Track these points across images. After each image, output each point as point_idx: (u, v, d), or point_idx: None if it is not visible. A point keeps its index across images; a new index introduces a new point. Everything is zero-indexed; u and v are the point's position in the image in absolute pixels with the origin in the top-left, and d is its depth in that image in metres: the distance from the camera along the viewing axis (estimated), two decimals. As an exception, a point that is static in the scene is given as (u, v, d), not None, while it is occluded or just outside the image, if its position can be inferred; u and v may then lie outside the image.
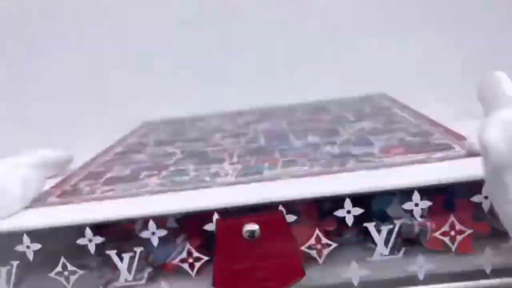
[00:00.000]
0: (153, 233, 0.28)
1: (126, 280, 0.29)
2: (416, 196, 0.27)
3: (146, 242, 0.28)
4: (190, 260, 0.28)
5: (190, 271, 0.29)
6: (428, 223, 0.29)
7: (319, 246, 0.28)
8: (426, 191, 0.27)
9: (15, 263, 0.29)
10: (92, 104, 0.65)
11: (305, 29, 0.62)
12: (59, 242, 0.29)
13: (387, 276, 0.28)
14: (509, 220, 0.23)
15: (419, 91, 0.56)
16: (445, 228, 0.27)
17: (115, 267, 0.29)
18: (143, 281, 0.30)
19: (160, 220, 0.29)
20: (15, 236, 0.29)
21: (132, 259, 0.29)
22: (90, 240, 0.28)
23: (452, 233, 0.28)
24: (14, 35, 0.65)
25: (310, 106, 0.60)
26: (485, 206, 0.27)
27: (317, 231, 0.28)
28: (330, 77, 0.62)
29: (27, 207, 0.32)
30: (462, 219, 0.28)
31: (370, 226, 0.28)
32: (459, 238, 0.28)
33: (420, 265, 0.28)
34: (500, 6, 0.59)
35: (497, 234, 0.28)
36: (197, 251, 0.29)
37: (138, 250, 0.29)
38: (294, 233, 0.28)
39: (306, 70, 0.62)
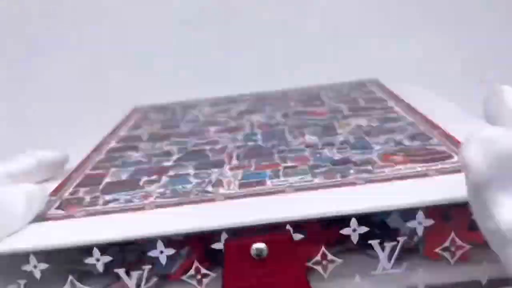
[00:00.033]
0: (161, 252, 0.29)
1: None
2: (420, 215, 0.28)
3: (154, 260, 0.29)
4: (198, 277, 0.29)
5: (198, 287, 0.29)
6: (428, 236, 0.30)
7: (324, 262, 0.29)
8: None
9: (22, 282, 0.29)
10: (91, 104, 0.63)
11: (305, 29, 0.61)
12: (66, 261, 0.29)
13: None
14: (491, 237, 0.24)
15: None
16: (446, 244, 0.28)
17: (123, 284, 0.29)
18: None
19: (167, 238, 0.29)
20: (21, 256, 0.29)
21: (140, 276, 0.29)
22: (98, 260, 0.29)
23: (452, 248, 0.29)
24: (14, 35, 0.63)
25: (303, 94, 0.60)
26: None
27: (323, 249, 0.29)
28: (329, 76, 0.61)
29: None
30: (459, 231, 0.29)
31: (375, 244, 0.28)
32: (458, 253, 0.29)
33: (421, 278, 0.29)
34: (500, 6, 0.59)
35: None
36: (204, 268, 0.29)
37: (147, 268, 0.29)
38: (300, 250, 0.28)
39: (306, 70, 0.62)
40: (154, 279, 0.30)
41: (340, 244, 0.30)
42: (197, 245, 0.31)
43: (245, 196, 0.32)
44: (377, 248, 0.29)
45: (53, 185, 0.39)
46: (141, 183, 0.37)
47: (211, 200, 0.32)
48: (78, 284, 0.29)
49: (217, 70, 0.62)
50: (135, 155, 0.44)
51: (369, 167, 0.34)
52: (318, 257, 0.29)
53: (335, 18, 0.60)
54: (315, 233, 0.29)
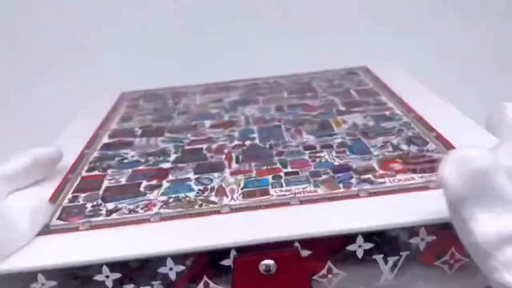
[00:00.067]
0: (171, 269, 0.29)
1: None
2: (423, 232, 0.29)
3: (163, 276, 0.29)
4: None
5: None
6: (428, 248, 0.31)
7: (330, 276, 0.30)
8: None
9: (30, 299, 0.29)
10: (75, 87, 0.61)
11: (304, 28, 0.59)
12: (74, 278, 0.29)
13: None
14: (472, 250, 0.25)
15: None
16: (446, 257, 0.30)
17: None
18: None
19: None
20: (29, 273, 0.29)
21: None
22: (107, 276, 0.29)
23: (451, 261, 0.30)
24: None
25: (295, 83, 0.60)
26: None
27: (329, 263, 0.29)
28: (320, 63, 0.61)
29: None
30: (458, 245, 0.30)
31: (379, 258, 0.30)
32: (457, 265, 0.30)
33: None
34: (500, 6, 0.59)
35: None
36: (210, 280, 0.30)
37: (156, 283, 0.29)
38: (307, 264, 0.29)
39: (296, 56, 0.61)
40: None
41: (345, 258, 0.30)
42: (202, 258, 0.32)
43: (250, 208, 0.32)
44: (380, 262, 0.30)
45: (49, 186, 0.38)
46: (142, 188, 0.37)
47: (217, 212, 0.32)
48: (87, 300, 0.29)
49: (205, 56, 0.61)
50: (130, 154, 0.43)
51: (370, 176, 0.35)
52: (324, 271, 0.30)
53: (335, 17, 0.59)
54: (321, 248, 0.30)
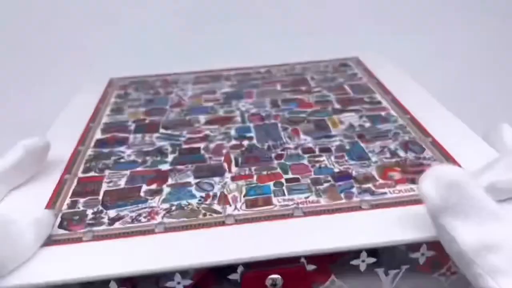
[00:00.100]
0: (179, 283, 0.29)
1: None
2: (423, 247, 0.30)
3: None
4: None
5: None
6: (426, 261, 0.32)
7: (332, 287, 0.31)
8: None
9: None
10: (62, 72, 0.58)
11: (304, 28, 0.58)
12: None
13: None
14: (456, 258, 0.27)
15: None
16: (443, 270, 0.31)
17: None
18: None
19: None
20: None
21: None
22: (114, 291, 0.29)
23: (448, 273, 0.31)
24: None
25: (288, 74, 0.60)
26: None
27: (332, 276, 0.30)
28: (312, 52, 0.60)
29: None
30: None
31: (380, 271, 0.31)
32: (453, 277, 0.31)
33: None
34: (500, 6, 0.59)
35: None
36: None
37: (163, 297, 0.30)
38: (311, 277, 0.30)
39: (288, 44, 0.60)
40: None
41: (348, 270, 0.31)
42: (210, 272, 0.32)
43: (254, 219, 0.33)
44: (381, 274, 0.31)
45: (46, 187, 0.38)
46: (142, 193, 0.37)
47: (221, 223, 0.32)
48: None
49: (205, 56, 0.60)
50: (127, 153, 0.43)
51: (370, 185, 0.35)
52: (327, 283, 0.31)
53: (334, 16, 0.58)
54: (325, 262, 0.30)
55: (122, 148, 0.44)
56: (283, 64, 0.63)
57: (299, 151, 0.41)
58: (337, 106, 0.50)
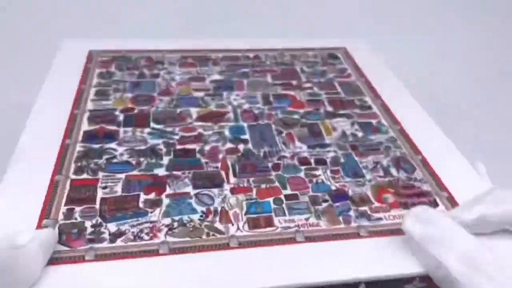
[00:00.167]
0: (186, 308, 0.30)
1: None
2: (416, 281, 0.32)
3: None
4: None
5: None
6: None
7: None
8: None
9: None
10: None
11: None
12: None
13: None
14: (442, 283, 0.31)
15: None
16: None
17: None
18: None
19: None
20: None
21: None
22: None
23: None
24: None
25: (277, 64, 0.58)
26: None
27: (331, 303, 0.32)
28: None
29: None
30: None
31: (376, 299, 0.33)
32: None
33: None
34: (500, 6, 0.59)
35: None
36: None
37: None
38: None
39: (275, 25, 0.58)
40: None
41: None
42: None
43: (257, 244, 0.33)
44: (377, 301, 0.33)
45: (38, 190, 0.36)
46: (141, 204, 0.36)
47: (226, 245, 0.33)
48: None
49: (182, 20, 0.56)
50: (119, 151, 0.41)
51: (367, 209, 0.37)
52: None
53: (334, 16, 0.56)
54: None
55: (112, 145, 0.42)
56: (272, 49, 0.62)
57: (295, 161, 0.42)
58: (329, 108, 0.50)
